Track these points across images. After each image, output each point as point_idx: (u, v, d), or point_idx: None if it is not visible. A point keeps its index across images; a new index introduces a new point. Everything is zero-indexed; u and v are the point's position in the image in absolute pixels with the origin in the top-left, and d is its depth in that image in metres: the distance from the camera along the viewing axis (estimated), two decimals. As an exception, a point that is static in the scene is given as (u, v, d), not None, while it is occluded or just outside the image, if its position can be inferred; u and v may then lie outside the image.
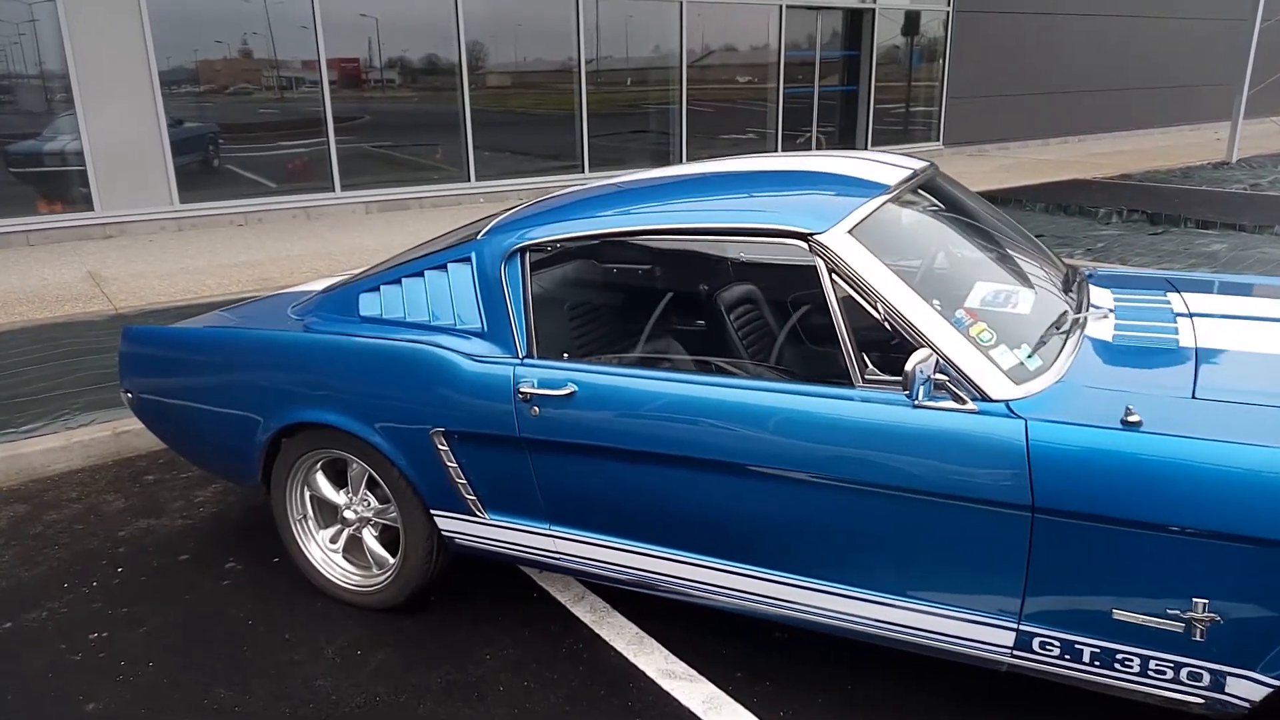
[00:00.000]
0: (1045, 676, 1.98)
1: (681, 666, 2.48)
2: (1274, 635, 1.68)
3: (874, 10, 12.72)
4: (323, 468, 2.84)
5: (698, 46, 11.29)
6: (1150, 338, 2.21)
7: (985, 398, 1.89)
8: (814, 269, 2.14)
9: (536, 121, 10.40)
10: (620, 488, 2.31)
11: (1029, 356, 2.00)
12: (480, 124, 9.85)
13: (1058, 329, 2.15)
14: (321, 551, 2.91)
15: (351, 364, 2.57)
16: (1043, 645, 1.93)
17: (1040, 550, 1.85)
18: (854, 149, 13.09)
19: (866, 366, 2.01)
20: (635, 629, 2.66)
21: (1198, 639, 1.76)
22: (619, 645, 2.60)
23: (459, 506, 2.56)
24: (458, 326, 2.52)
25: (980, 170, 12.32)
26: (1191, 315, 2.37)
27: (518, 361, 2.39)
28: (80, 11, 7.60)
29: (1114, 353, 2.11)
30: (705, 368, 2.43)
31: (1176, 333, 2.24)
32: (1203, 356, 2.06)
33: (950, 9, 13.54)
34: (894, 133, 13.66)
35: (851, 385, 2.02)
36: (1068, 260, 6.44)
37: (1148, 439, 1.73)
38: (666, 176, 2.69)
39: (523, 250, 2.44)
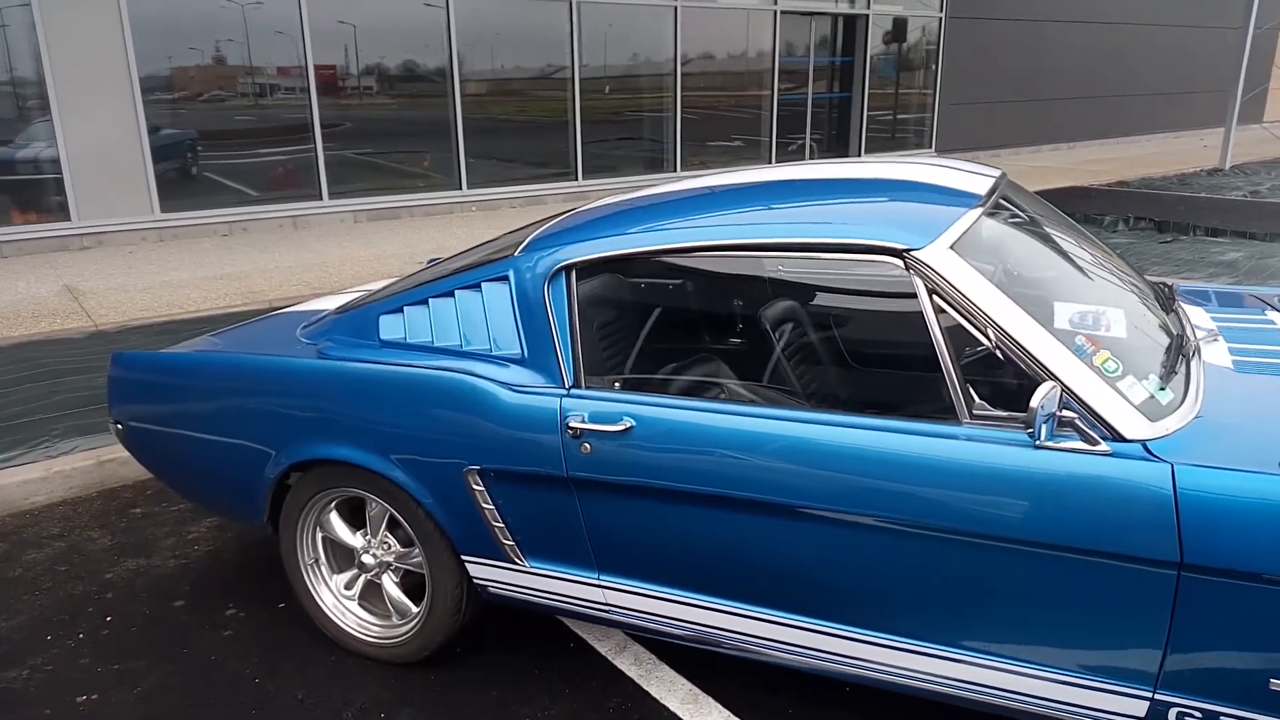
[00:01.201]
0: (1179, 750, 1.75)
1: (747, 730, 2.24)
2: None
3: (868, 16, 12.58)
4: (337, 507, 2.57)
5: (692, 52, 11.09)
6: (1276, 364, 1.99)
7: (1119, 437, 1.66)
8: (907, 289, 1.91)
9: (529, 128, 10.14)
10: (682, 535, 2.06)
11: (1160, 389, 1.78)
12: (472, 131, 9.59)
13: (1181, 356, 1.92)
14: (336, 599, 2.64)
15: (374, 394, 2.31)
16: (1180, 717, 1.70)
17: (1186, 611, 1.62)
18: (848, 156, 12.97)
19: (974, 401, 1.78)
20: (688, 685, 2.41)
21: (1375, 714, 1.54)
22: (672, 704, 2.35)
23: (494, 552, 2.30)
24: (494, 353, 2.26)
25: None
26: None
27: (564, 392, 2.14)
28: (57, 14, 7.27)
29: (1243, 382, 1.89)
30: (778, 400, 2.18)
31: (1262, 357, 2.03)
32: (1340, 386, 1.84)
33: (943, 15, 13.44)
34: (887, 139, 13.53)
35: (957, 422, 1.79)
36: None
37: (1317, 487, 1.51)
38: (723, 185, 2.44)
39: (569, 268, 2.19)
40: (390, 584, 2.56)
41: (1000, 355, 1.77)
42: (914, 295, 1.86)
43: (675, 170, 11.20)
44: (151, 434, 2.75)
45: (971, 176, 2.30)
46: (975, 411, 1.78)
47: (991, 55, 14.15)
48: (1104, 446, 1.65)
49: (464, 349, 2.31)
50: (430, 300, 2.40)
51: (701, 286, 2.86)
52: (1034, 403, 1.63)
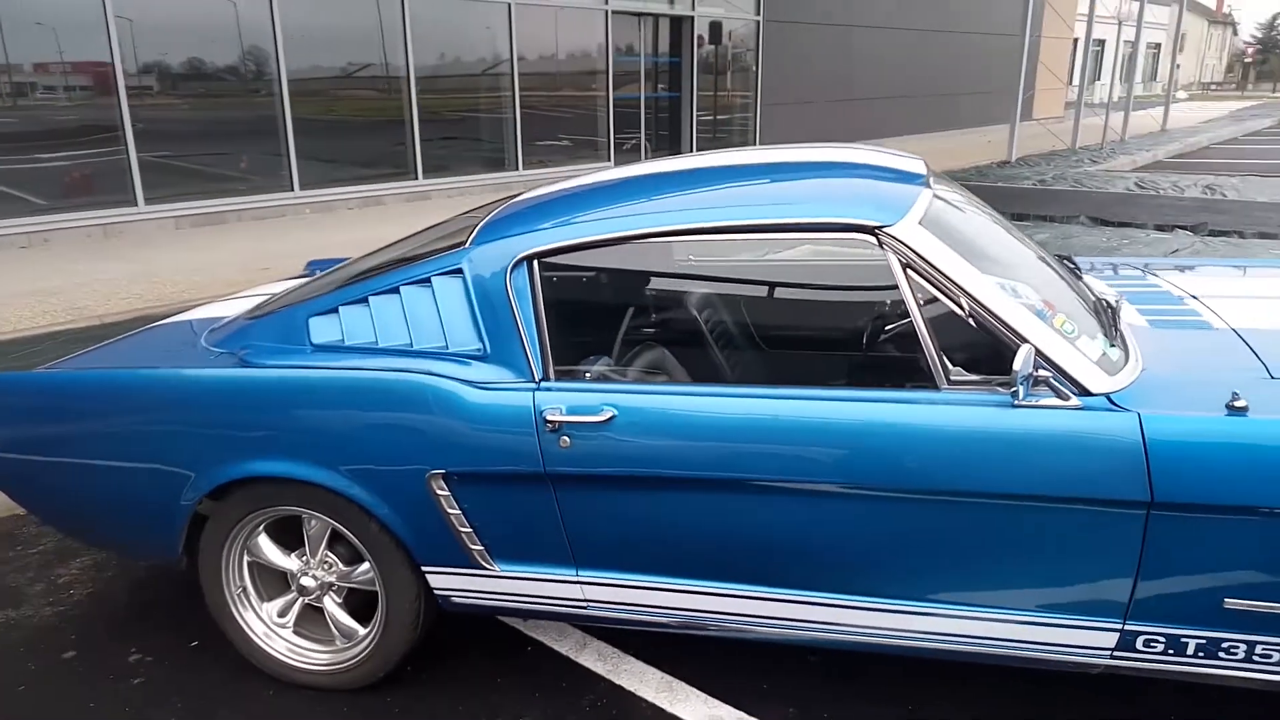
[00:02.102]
0: (1139, 674, 1.93)
1: (727, 710, 2.25)
2: (1387, 608, 1.70)
3: (692, 18, 12.94)
4: (267, 529, 2.36)
5: (529, 51, 10.99)
6: (1181, 320, 2.23)
7: (1086, 392, 1.80)
8: (874, 267, 1.98)
9: (365, 127, 9.71)
10: (668, 521, 2.05)
11: (1110, 347, 1.95)
12: (303, 130, 9.05)
13: (1112, 318, 2.11)
14: (269, 629, 2.42)
15: (317, 402, 2.14)
16: (1146, 643, 1.87)
17: (1154, 546, 1.78)
18: (679, 152, 13.28)
19: (950, 368, 1.88)
20: (659, 674, 2.40)
21: (1311, 619, 1.75)
22: (647, 694, 2.33)
23: (460, 560, 2.19)
24: (450, 350, 2.15)
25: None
26: (1194, 296, 2.43)
27: (535, 386, 2.07)
28: None
29: (1162, 338, 2.10)
30: (753, 378, 2.20)
31: (1198, 314, 2.28)
32: (1245, 336, 2.09)
33: (760, 19, 14.04)
34: (716, 138, 13.98)
35: (936, 388, 1.88)
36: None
37: (1262, 424, 1.70)
38: (672, 170, 2.44)
39: (531, 258, 2.12)
40: (333, 606, 2.39)
41: (974, 323, 1.88)
42: (887, 271, 1.94)
43: (517, 169, 11.07)
44: (28, 464, 2.42)
45: (901, 159, 2.43)
46: (953, 378, 1.88)
47: (806, 58, 14.93)
48: (1075, 401, 1.79)
49: (414, 348, 2.18)
50: (371, 299, 2.25)
51: (664, 271, 2.85)
52: (1016, 365, 1.75)
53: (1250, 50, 63.15)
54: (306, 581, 2.36)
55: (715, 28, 13.42)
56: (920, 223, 1.95)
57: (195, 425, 2.23)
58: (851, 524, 1.95)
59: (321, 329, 2.28)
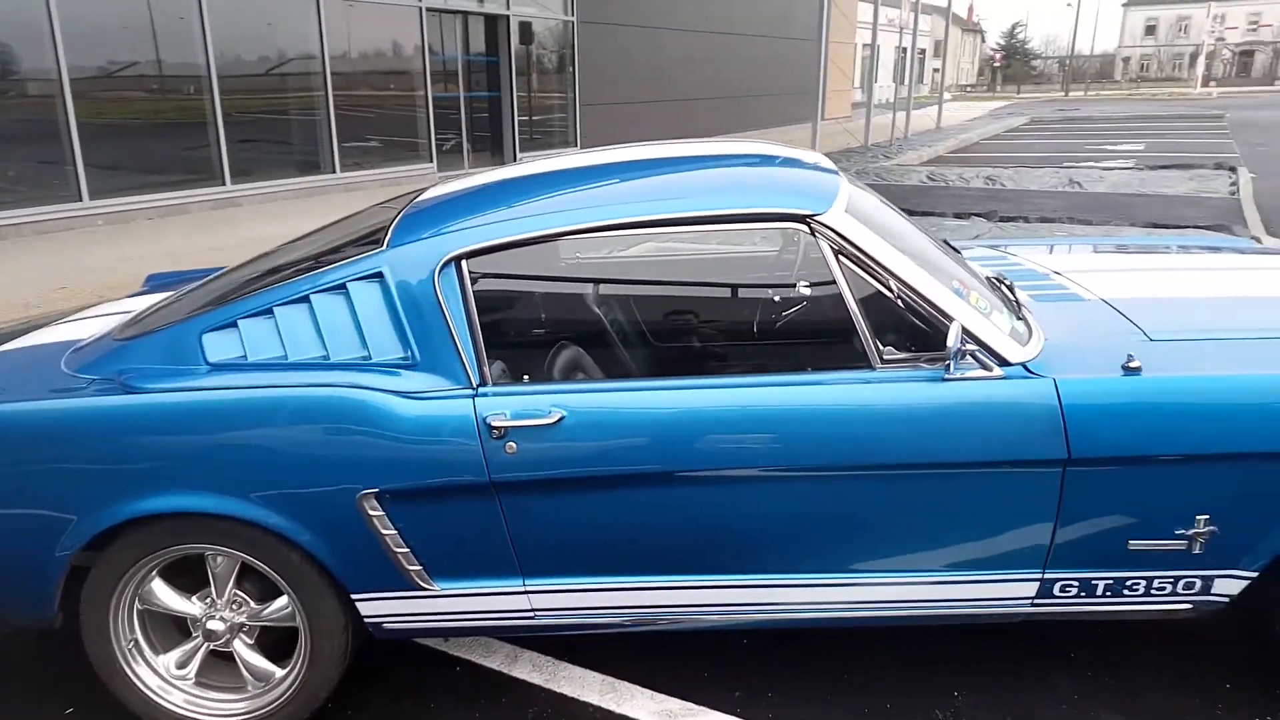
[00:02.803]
0: (1056, 618, 2.11)
1: (675, 703, 2.26)
2: (1257, 534, 1.96)
3: (508, 17, 12.81)
4: (161, 572, 2.13)
5: (342, 48, 10.47)
6: (1057, 294, 2.45)
7: (1005, 362, 1.95)
8: (800, 258, 2.05)
9: (164, 129, 8.89)
10: (617, 519, 2.02)
11: (1017, 321, 2.11)
12: (92, 134, 8.17)
13: (1012, 294, 2.30)
14: (165, 683, 2.19)
15: (226, 426, 1.96)
16: (1063, 589, 2.06)
17: (1069, 500, 1.96)
18: (503, 154, 13.12)
19: (882, 348, 1.98)
20: (599, 676, 2.37)
21: (1197, 552, 1.98)
22: (591, 698, 2.30)
23: (395, 583, 2.07)
24: (374, 361, 2.02)
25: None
26: (1056, 272, 2.68)
27: (473, 392, 1.98)
28: None
29: (1047, 311, 2.30)
30: (692, 371, 2.20)
31: (1067, 288, 2.52)
32: (1115, 305, 2.33)
33: (574, 20, 14.11)
34: (537, 139, 13.91)
35: (871, 368, 1.97)
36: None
37: (1155, 381, 1.91)
38: (591, 164, 2.41)
39: (459, 259, 2.03)
40: (244, 648, 2.18)
41: (902, 304, 1.99)
42: (819, 257, 2.02)
43: (334, 172, 10.53)
44: None
45: (806, 152, 2.52)
46: (885, 357, 1.98)
47: (621, 59, 15.16)
48: (998, 371, 1.94)
49: (331, 360, 2.03)
50: (277, 310, 2.07)
51: (595, 266, 2.78)
52: (950, 341, 1.87)
53: (997, 56, 70.30)
54: (214, 625, 2.14)
55: (531, 27, 13.36)
56: (846, 210, 2.04)
57: (76, 463, 1.98)
58: (797, 504, 2.01)
59: (218, 346, 2.08)
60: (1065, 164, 13.43)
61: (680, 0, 16.44)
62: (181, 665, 2.20)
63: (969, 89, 62.53)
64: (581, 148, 14.62)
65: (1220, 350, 2.01)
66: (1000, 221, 8.56)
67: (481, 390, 1.99)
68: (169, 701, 2.17)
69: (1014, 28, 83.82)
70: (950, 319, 1.94)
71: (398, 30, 11.21)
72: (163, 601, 2.14)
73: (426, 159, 11.83)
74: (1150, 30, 77.63)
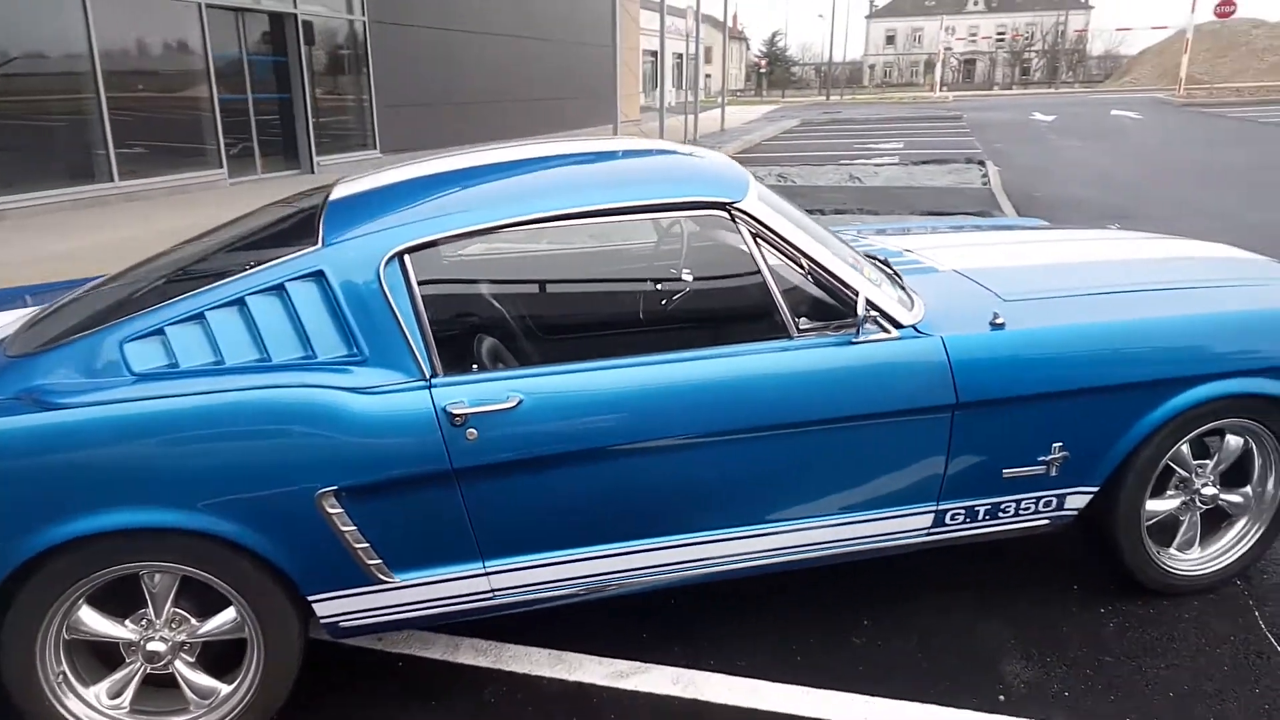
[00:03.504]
0: (946, 544, 2.46)
1: (624, 664, 2.41)
2: (1098, 455, 2.39)
3: (296, 16, 12.22)
4: (89, 598, 2.01)
5: (116, 47, 9.59)
6: (915, 268, 2.82)
7: (899, 325, 2.25)
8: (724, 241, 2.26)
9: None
10: (571, 494, 2.14)
11: (901, 290, 2.43)
12: None
13: (890, 268, 2.62)
14: (101, 715, 2.06)
15: (169, 436, 1.90)
16: (952, 517, 2.40)
17: (957, 439, 2.30)
18: (297, 158, 12.51)
19: (797, 320, 2.23)
20: (544, 651, 2.47)
21: (1053, 474, 2.39)
22: (543, 672, 2.40)
23: (354, 579, 2.08)
24: (320, 359, 2.02)
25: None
26: (907, 250, 3.06)
27: (427, 383, 2.03)
28: None
29: (914, 282, 2.65)
30: (633, 350, 2.32)
31: (921, 263, 2.89)
32: (965, 274, 2.71)
33: (365, 19, 13.68)
34: (335, 141, 13.37)
35: (790, 338, 2.21)
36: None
37: (1018, 333, 2.29)
38: (511, 159, 2.49)
39: (403, 253, 2.06)
40: (186, 668, 2.10)
41: (812, 280, 2.25)
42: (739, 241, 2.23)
43: (111, 180, 9.62)
44: None
45: (691, 147, 2.73)
46: (801, 327, 2.23)
47: (418, 61, 14.84)
48: (895, 334, 2.24)
49: (274, 362, 2.01)
50: (208, 314, 2.01)
51: (530, 256, 2.82)
52: (859, 310, 2.15)
53: (763, 62, 74.84)
54: (155, 646, 2.05)
55: (322, 27, 12.82)
56: (759, 198, 2.27)
57: (-5, 488, 1.83)
58: (730, 464, 2.21)
59: (144, 354, 1.99)
60: (842, 161, 14.67)
61: (473, 3, 16.33)
62: (115, 694, 2.08)
63: (738, 93, 66.07)
64: (381, 151, 14.21)
65: (1060, 306, 2.43)
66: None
67: (434, 381, 2.04)
68: (106, 735, 2.05)
69: (774, 36, 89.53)
70: (856, 291, 2.22)
71: (176, 27, 10.42)
72: (93, 628, 2.02)
73: (215, 164, 11.07)
74: (890, 40, 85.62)
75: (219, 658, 2.14)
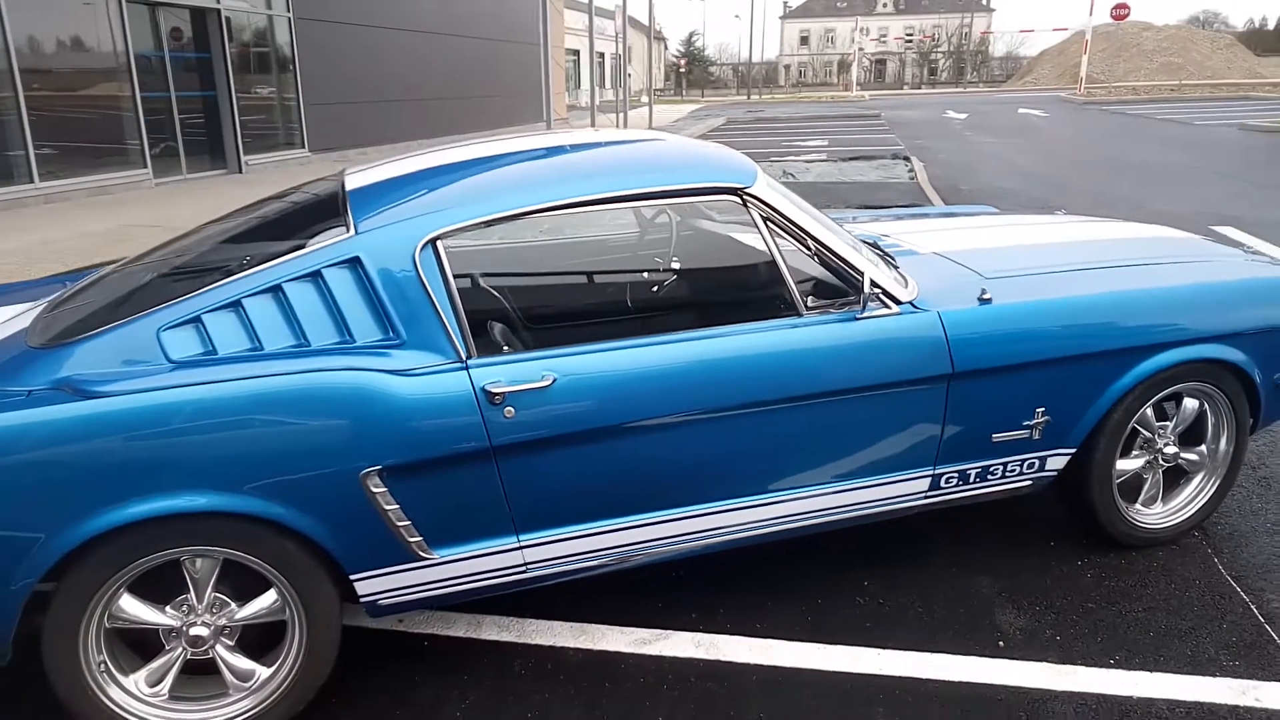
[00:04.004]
0: (941, 506, 2.63)
1: (645, 632, 2.51)
2: (1076, 418, 2.59)
3: (219, 11, 11.89)
4: (131, 586, 2.01)
5: (32, 42, 9.19)
6: (899, 251, 2.99)
7: (898, 302, 2.42)
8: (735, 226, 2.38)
9: None
10: (601, 468, 2.24)
11: (895, 269, 2.60)
12: None
13: (881, 250, 2.78)
14: (143, 703, 2.07)
15: (216, 421, 1.92)
16: (947, 480, 2.58)
17: (953, 406, 2.47)
18: (224, 157, 12.19)
19: (806, 299, 2.37)
20: (566, 624, 2.56)
21: (1036, 438, 2.58)
22: (568, 643, 2.48)
23: (395, 557, 2.13)
24: (358, 343, 2.07)
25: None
26: (885, 235, 3.23)
27: (463, 365, 2.10)
28: None
29: (905, 262, 2.82)
30: (658, 330, 2.42)
31: (902, 245, 3.06)
32: (946, 255, 2.89)
33: (291, 15, 13.39)
34: (263, 140, 13.05)
35: (800, 316, 2.35)
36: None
37: (1004, 307, 2.47)
38: (523, 149, 2.56)
39: (436, 240, 2.13)
40: (226, 652, 2.12)
41: (819, 260, 2.39)
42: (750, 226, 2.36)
43: (31, 181, 9.24)
44: None
45: (682, 138, 2.85)
46: (809, 305, 2.37)
47: (344, 58, 14.59)
48: (895, 309, 2.40)
49: (312, 347, 2.05)
50: (245, 301, 2.04)
51: (546, 241, 2.88)
52: (865, 288, 2.30)
53: (683, 62, 75.59)
54: (198, 631, 2.06)
55: (246, 23, 12.51)
56: (768, 185, 2.40)
57: (39, 478, 1.84)
58: (747, 436, 2.34)
59: (180, 342, 2.01)
60: (773, 158, 15.00)
61: (400, 1, 16.13)
62: (154, 682, 2.09)
63: (659, 93, 66.52)
64: (310, 150, 13.94)
65: (1038, 282, 2.63)
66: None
67: (470, 362, 2.11)
68: (150, 721, 2.06)
69: (691, 36, 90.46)
70: (861, 271, 2.37)
71: (94, 23, 10.05)
72: (135, 616, 2.02)
73: (139, 165, 10.72)
74: (804, 40, 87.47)
75: (250, 643, 2.17)
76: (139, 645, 2.12)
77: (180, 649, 2.08)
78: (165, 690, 2.10)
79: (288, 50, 13.50)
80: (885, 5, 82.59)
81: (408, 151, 2.70)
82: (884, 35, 79.41)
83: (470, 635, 2.53)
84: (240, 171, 12.33)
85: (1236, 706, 2.16)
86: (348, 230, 2.13)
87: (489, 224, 2.19)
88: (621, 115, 19.26)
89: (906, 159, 13.90)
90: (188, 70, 11.73)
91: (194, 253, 2.37)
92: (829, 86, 67.34)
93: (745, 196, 2.35)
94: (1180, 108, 24.92)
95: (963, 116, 24.86)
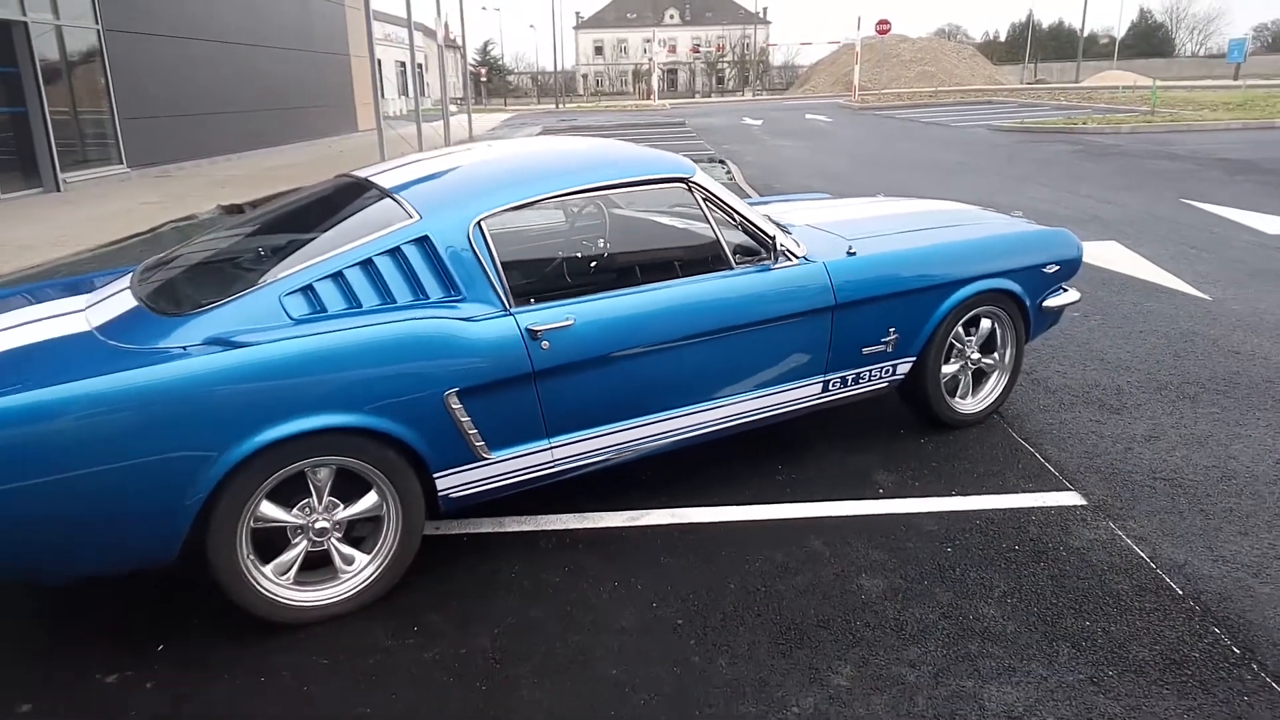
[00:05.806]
0: (829, 406, 3.63)
1: (632, 512, 3.33)
2: (915, 334, 3.66)
3: (25, 24, 11.37)
4: (268, 494, 2.61)
5: None
6: (783, 223, 3.97)
7: (797, 257, 3.39)
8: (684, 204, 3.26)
9: None
10: (608, 383, 3.04)
11: (790, 235, 3.57)
12: None
13: (776, 221, 3.74)
14: (283, 586, 2.67)
15: (345, 359, 2.57)
16: (833, 385, 3.58)
17: (837, 329, 3.47)
18: (39, 173, 11.67)
19: (734, 257, 3.28)
20: (570, 515, 3.33)
21: (890, 351, 3.64)
22: (572, 525, 3.26)
23: (466, 458, 2.84)
24: (431, 299, 2.77)
25: (197, 189, 12.37)
26: (767, 216, 4.22)
27: (507, 312, 2.85)
28: None
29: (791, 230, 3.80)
30: (635, 282, 3.20)
31: (780, 220, 4.05)
32: (816, 226, 3.91)
33: (100, 28, 12.91)
34: (80, 157, 12.52)
35: (732, 269, 3.27)
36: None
37: (865, 258, 3.50)
38: (529, 150, 3.34)
39: (482, 220, 2.86)
40: (338, 543, 2.75)
41: (743, 230, 3.31)
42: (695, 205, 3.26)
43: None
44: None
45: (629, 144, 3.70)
46: (736, 260, 3.29)
47: (157, 71, 14.16)
48: (796, 262, 3.37)
49: (397, 303, 2.73)
50: (345, 272, 2.69)
51: (548, 221, 3.63)
52: (776, 248, 3.25)
53: (483, 71, 75.68)
54: (321, 525, 2.68)
55: (55, 36, 11.98)
56: (703, 175, 3.30)
57: (212, 408, 2.41)
58: (700, 358, 3.22)
59: (299, 304, 2.63)
60: (598, 163, 15.99)
61: (207, 13, 15.78)
62: (281, 572, 2.69)
63: (460, 101, 66.19)
64: (129, 165, 13.47)
65: (885, 241, 3.69)
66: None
67: (512, 311, 2.86)
68: (291, 600, 2.66)
69: (486, 45, 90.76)
70: (771, 236, 3.32)
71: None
72: (274, 517, 2.62)
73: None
74: (599, 50, 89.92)
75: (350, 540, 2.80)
76: (263, 546, 2.70)
77: (304, 542, 2.69)
78: (291, 577, 2.70)
79: (99, 63, 13.02)
80: (673, 17, 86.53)
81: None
82: (674, 45, 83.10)
83: (496, 530, 3.25)
84: (59, 190, 11.83)
85: (1032, 509, 3.28)
86: (411, 216, 2.83)
87: (519, 208, 2.95)
88: (440, 124, 19.64)
89: (722, 162, 15.34)
90: (-5, 85, 11.17)
91: (276, 233, 2.97)
92: (625, 95, 69.69)
93: (690, 184, 3.24)
94: (939, 111, 28.39)
95: (759, 123, 27.07)
